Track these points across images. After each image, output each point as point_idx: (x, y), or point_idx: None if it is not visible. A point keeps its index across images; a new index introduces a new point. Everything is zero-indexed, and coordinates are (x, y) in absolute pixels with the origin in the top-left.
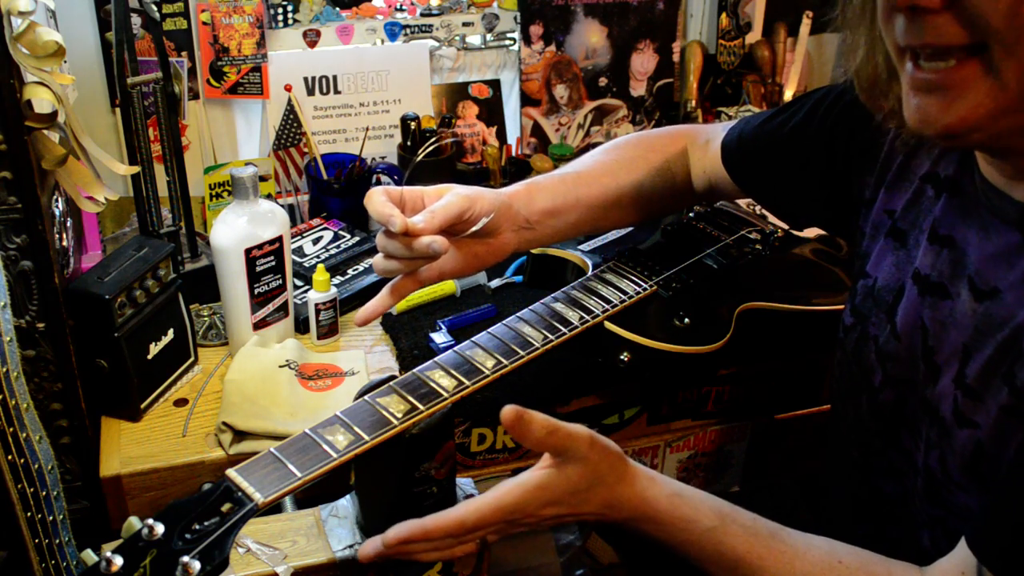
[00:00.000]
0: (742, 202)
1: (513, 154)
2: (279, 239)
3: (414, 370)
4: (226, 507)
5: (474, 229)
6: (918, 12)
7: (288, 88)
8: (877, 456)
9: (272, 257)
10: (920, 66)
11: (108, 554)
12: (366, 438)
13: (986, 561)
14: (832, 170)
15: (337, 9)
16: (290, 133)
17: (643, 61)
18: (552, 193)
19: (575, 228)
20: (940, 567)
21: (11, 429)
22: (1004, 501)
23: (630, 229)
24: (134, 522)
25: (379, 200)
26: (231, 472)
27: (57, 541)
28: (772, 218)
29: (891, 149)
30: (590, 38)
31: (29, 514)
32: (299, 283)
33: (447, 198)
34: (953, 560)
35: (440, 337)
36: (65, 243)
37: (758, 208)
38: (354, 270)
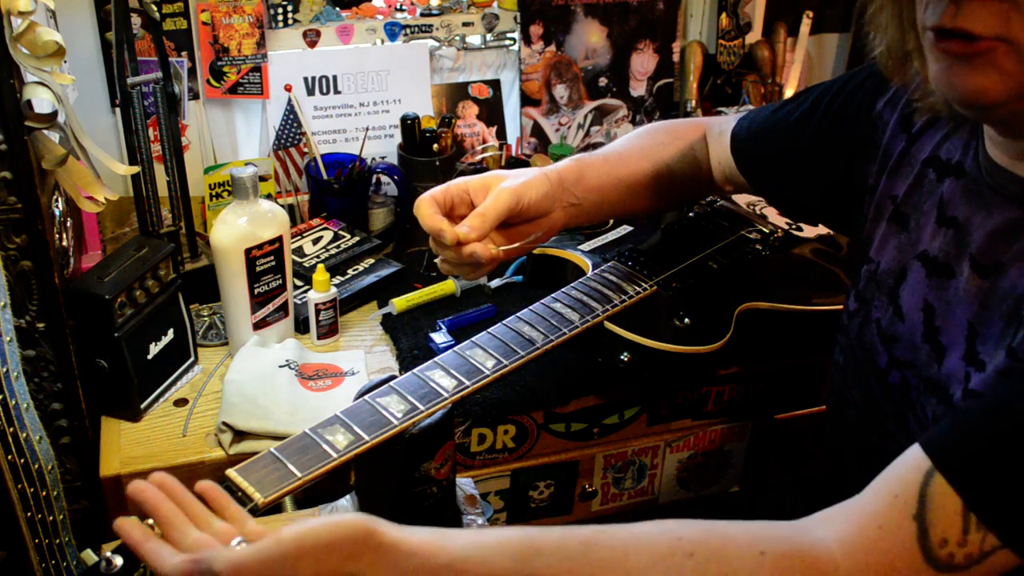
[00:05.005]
0: (742, 202)
1: (513, 154)
2: (279, 239)
3: (414, 370)
4: None
5: (523, 243)
6: None
7: (288, 88)
8: (891, 440)
9: (272, 257)
10: (946, 38)
11: (108, 554)
12: (366, 438)
13: (944, 467)
14: (834, 161)
15: (337, 9)
16: (290, 133)
17: (643, 61)
18: (598, 172)
19: (614, 207)
20: (861, 504)
21: (11, 429)
22: (976, 412)
23: (630, 229)
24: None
25: (427, 212)
26: (231, 472)
27: (57, 541)
28: (772, 218)
29: (892, 136)
30: (590, 38)
31: (29, 514)
32: (299, 283)
33: (494, 196)
34: (880, 488)
35: (440, 337)
36: (65, 243)
37: (758, 208)
38: (354, 270)
